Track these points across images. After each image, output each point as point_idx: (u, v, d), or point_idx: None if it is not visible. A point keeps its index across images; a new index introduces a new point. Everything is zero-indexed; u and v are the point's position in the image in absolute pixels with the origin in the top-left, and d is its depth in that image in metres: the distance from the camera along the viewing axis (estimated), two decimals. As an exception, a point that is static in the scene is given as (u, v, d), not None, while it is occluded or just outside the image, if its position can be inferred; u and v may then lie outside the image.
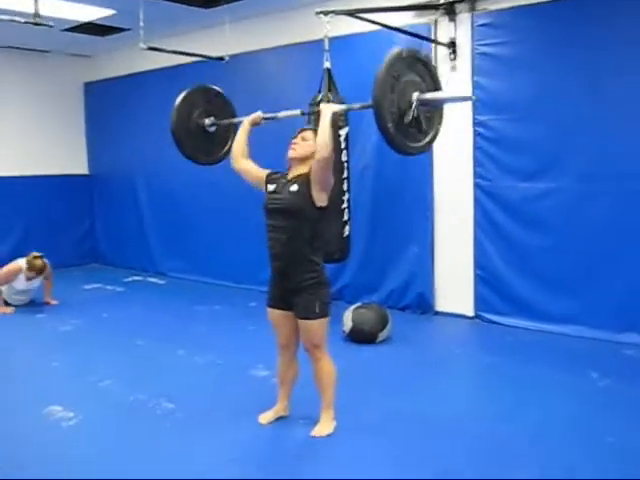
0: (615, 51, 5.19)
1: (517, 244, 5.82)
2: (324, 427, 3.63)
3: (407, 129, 3.21)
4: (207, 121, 4.25)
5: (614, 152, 5.25)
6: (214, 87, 4.46)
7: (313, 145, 3.47)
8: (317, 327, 3.51)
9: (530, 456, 3.34)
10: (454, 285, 6.24)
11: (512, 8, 5.63)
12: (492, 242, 5.96)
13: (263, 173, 3.69)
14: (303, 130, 3.60)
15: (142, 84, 8.86)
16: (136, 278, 8.83)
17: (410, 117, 3.16)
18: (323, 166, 3.37)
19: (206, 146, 4.34)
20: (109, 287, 8.22)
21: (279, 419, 3.81)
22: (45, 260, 6.85)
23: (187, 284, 8.34)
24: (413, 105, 3.17)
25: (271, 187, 3.58)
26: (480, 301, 6.10)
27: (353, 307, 5.55)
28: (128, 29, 7.72)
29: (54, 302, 7.09)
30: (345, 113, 5.53)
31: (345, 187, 5.58)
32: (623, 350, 5.08)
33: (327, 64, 5.45)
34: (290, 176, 3.55)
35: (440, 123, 3.47)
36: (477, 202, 6.01)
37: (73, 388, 4.52)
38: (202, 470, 3.24)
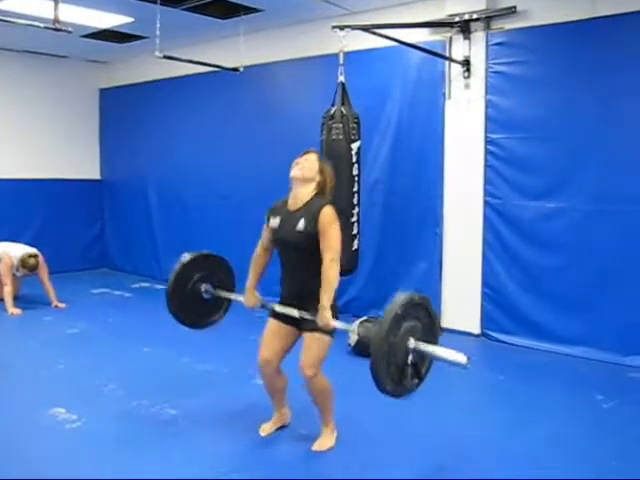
0: (627, 74, 5.20)
1: (526, 263, 5.81)
2: (325, 441, 3.62)
3: (404, 378, 3.07)
4: (203, 287, 3.99)
5: (625, 173, 5.25)
6: (219, 256, 4.29)
7: (316, 168, 3.49)
8: (324, 343, 3.43)
9: (532, 476, 3.33)
10: (461, 302, 6.23)
11: (527, 28, 5.67)
12: (500, 260, 5.96)
13: (267, 229, 3.66)
14: (308, 152, 3.57)
15: (157, 92, 8.94)
16: (144, 284, 8.85)
17: (409, 372, 3.05)
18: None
19: (198, 310, 4.05)
20: (117, 292, 8.25)
21: (280, 429, 3.81)
22: (39, 259, 6.92)
23: (194, 292, 8.34)
24: (410, 354, 3.02)
25: (274, 222, 3.55)
26: (487, 319, 6.09)
27: (359, 321, 5.54)
28: (145, 37, 7.80)
29: (62, 305, 7.13)
30: (358, 125, 5.55)
31: (355, 201, 5.59)
32: (629, 373, 5.06)
33: (341, 78, 5.47)
34: (294, 207, 3.50)
35: (430, 366, 3.27)
36: (487, 220, 6.01)
37: (78, 391, 4.53)
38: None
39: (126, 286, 8.63)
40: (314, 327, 3.38)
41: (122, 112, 9.59)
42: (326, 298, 3.30)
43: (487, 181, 5.98)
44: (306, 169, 3.48)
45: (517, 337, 5.86)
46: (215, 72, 7.45)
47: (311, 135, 5.97)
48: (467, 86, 6.04)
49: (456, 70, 6.07)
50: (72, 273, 8.93)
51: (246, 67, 7.19)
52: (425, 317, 3.12)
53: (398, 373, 3.00)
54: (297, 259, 3.45)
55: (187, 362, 5.23)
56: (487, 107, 5.92)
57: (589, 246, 5.44)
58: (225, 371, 5.01)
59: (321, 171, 3.51)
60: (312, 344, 3.42)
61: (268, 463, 3.49)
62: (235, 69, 7.17)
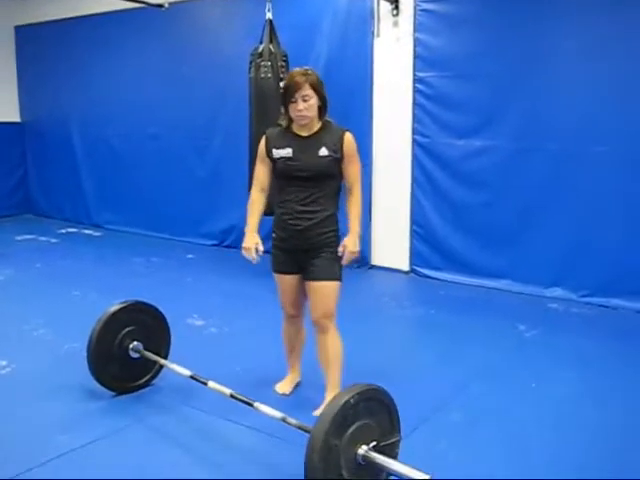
0: (552, 15, 5.27)
1: (453, 200, 5.94)
2: None
3: None
4: (132, 345, 3.52)
5: (548, 112, 5.37)
6: (155, 307, 3.77)
7: (315, 100, 3.12)
8: (334, 290, 3.23)
9: (455, 402, 3.48)
10: (390, 240, 6.35)
11: (455, -35, 5.67)
12: (428, 198, 6.07)
13: (263, 151, 3.25)
14: (298, 88, 3.06)
15: (78, 29, 8.56)
16: (71, 230, 8.66)
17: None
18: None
19: (124, 371, 3.52)
20: (43, 238, 8.05)
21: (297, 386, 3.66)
22: None
23: (123, 236, 8.24)
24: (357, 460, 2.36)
25: (284, 152, 3.16)
26: (415, 256, 6.23)
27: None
28: (63, -30, 7.44)
29: (-15, 253, 6.93)
30: (286, 63, 5.50)
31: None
32: (549, 304, 5.32)
33: (269, 15, 5.39)
34: (306, 133, 3.19)
35: None
36: (415, 158, 6.09)
37: (6, 337, 4.45)
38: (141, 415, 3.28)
39: (52, 232, 8.42)
40: (325, 277, 3.21)
41: (41, 51, 9.16)
42: (358, 224, 3.27)
43: (416, 120, 6.03)
44: (309, 112, 3.13)
45: (445, 273, 6.04)
46: (139, 9, 7.19)
47: (239, 73, 5.89)
48: (396, 24, 6.02)
49: (385, 8, 6.04)
50: (-5, 220, 8.68)
51: (171, 3, 6.97)
52: (385, 415, 2.53)
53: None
54: (313, 186, 3.16)
55: (118, 305, 5.17)
56: (416, 45, 5.93)
57: (513, 183, 5.60)
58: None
59: (316, 92, 3.12)
60: (325, 292, 3.22)
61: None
62: (160, 5, 6.93)
